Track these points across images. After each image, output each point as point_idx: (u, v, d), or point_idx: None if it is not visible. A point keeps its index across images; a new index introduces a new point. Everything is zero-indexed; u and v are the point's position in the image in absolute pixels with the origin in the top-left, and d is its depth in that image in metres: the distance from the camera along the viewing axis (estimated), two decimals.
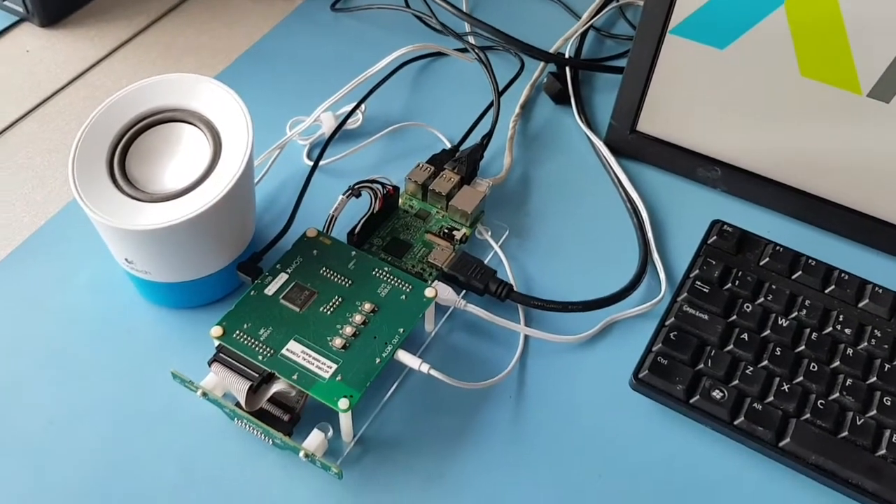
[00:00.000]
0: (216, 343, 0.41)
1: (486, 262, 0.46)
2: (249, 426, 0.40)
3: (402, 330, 0.41)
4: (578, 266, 0.48)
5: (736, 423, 0.40)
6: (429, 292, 0.43)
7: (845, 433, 0.39)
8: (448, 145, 0.53)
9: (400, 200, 0.49)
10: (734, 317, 0.43)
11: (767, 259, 0.46)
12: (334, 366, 0.39)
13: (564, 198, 0.52)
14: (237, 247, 0.45)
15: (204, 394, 0.40)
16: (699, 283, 0.44)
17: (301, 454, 0.38)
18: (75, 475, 0.39)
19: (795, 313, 0.43)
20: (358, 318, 0.41)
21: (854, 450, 0.38)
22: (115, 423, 0.41)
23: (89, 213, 0.39)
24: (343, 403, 0.38)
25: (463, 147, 0.52)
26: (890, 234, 0.48)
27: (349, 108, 0.54)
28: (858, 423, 0.39)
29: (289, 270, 0.43)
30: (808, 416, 0.40)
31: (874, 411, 0.40)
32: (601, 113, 0.57)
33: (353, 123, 0.55)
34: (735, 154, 0.50)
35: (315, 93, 0.56)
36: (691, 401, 0.40)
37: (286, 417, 0.40)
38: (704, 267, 0.45)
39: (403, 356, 0.41)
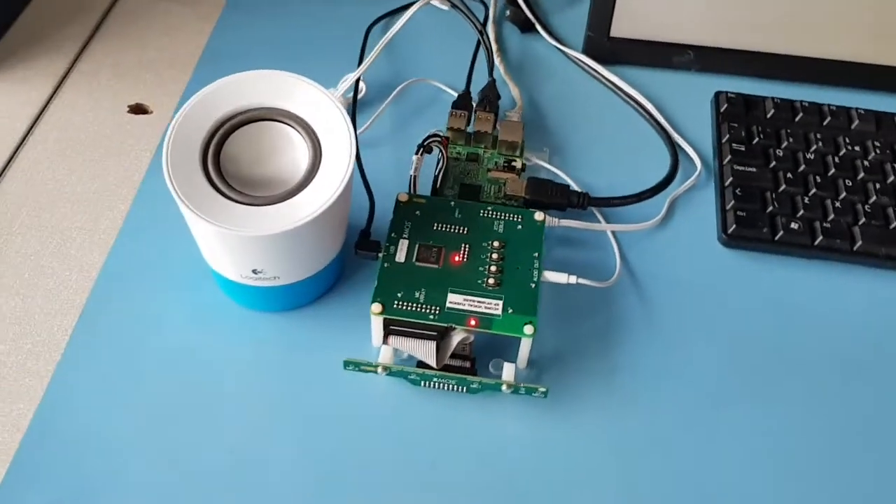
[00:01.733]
0: (374, 319, 0.42)
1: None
2: (440, 383, 0.41)
3: (536, 254, 0.44)
4: (619, 166, 0.53)
5: (816, 243, 0.47)
6: (538, 216, 0.46)
7: (895, 223, 0.48)
8: (453, 93, 0.56)
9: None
10: (773, 162, 0.50)
11: (773, 111, 0.53)
12: (500, 302, 0.42)
13: (575, 113, 0.56)
14: (344, 234, 0.45)
15: (385, 369, 0.41)
16: (735, 145, 0.51)
17: (504, 387, 0.41)
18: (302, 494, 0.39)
19: (814, 146, 0.51)
20: (495, 256, 0.44)
21: None
22: (310, 437, 0.41)
23: (211, 228, 0.38)
24: (528, 329, 0.41)
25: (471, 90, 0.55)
26: (840, 68, 0.57)
27: (345, 82, 0.55)
28: None
29: (405, 235, 0.44)
30: (863, 220, 0.48)
31: None
32: (563, 30, 0.61)
33: (359, 94, 0.55)
34: (701, 35, 0.57)
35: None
36: (776, 238, 0.47)
37: (468, 364, 0.42)
38: (731, 131, 0.52)
39: (550, 275, 0.44)
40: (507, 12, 0.61)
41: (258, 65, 0.58)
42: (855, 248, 0.47)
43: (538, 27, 0.61)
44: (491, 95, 0.54)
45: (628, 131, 0.55)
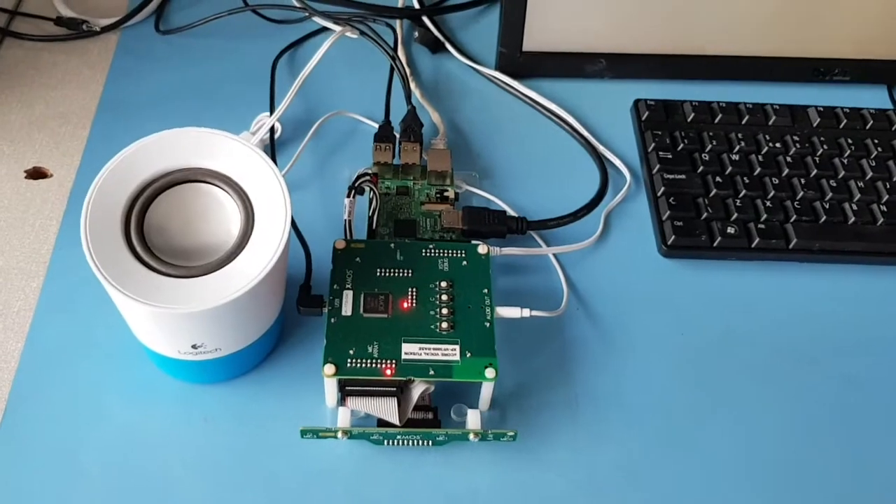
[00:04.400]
0: (328, 381, 0.40)
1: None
2: (404, 440, 0.40)
3: (485, 290, 0.43)
4: (549, 185, 0.52)
5: (754, 245, 0.48)
6: (481, 249, 0.44)
7: (824, 217, 0.49)
8: (372, 125, 0.54)
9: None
10: (701, 167, 0.51)
11: (692, 115, 0.54)
12: (456, 346, 0.40)
13: (497, 132, 0.55)
14: (283, 293, 0.43)
15: (345, 433, 0.39)
16: (661, 153, 0.51)
17: (471, 437, 0.39)
18: None
19: (737, 146, 0.52)
20: (444, 297, 0.42)
21: (838, 226, 0.49)
22: None
23: (143, 307, 0.35)
24: (490, 373, 0.40)
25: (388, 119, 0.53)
26: (749, 63, 0.58)
27: (259, 124, 0.52)
28: (827, 206, 0.49)
29: (348, 286, 0.42)
30: (794, 217, 0.49)
31: (830, 194, 0.50)
32: (474, 48, 0.60)
33: (275, 135, 0.53)
34: (611, 42, 0.57)
35: (206, 121, 0.53)
36: (715, 244, 0.48)
37: (430, 415, 0.41)
38: (656, 139, 0.52)
39: (502, 311, 0.43)
40: (416, 34, 0.60)
41: (161, 113, 0.55)
42: (791, 246, 0.48)
43: (448, 47, 0.59)
44: (414, 124, 0.52)
45: (553, 146, 0.55)
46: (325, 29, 0.60)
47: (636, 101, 0.55)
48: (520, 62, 0.57)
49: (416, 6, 0.61)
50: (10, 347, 0.43)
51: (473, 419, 0.40)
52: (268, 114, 0.53)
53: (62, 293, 0.45)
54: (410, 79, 0.57)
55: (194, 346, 0.39)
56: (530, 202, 0.51)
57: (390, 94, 0.55)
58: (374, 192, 0.47)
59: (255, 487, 0.39)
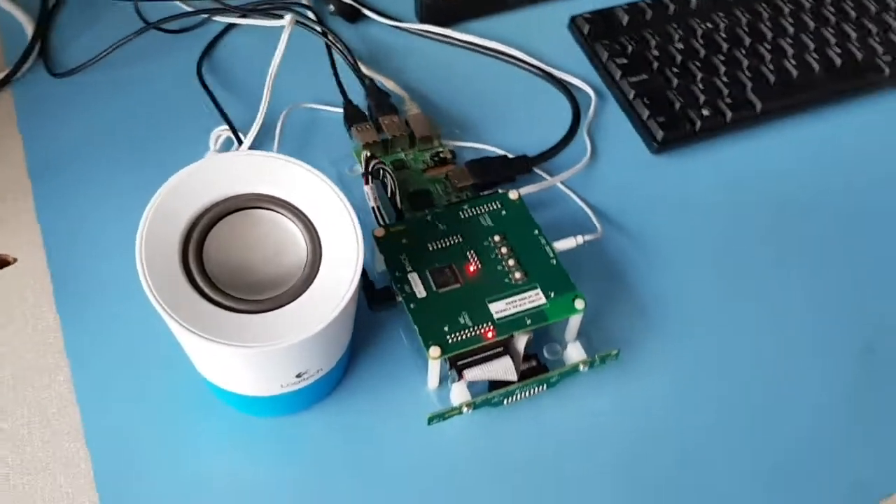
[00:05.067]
0: (434, 363, 0.39)
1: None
2: (522, 393, 0.40)
3: (536, 231, 0.43)
4: (520, 121, 0.53)
5: (729, 120, 0.51)
6: (512, 195, 0.45)
7: (773, 78, 0.53)
8: (333, 110, 0.52)
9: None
10: (656, 64, 0.53)
11: (627, 18, 0.56)
12: (538, 290, 0.41)
13: (451, 84, 0.55)
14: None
15: (469, 405, 0.39)
16: (617, 60, 0.53)
17: (581, 367, 0.40)
18: None
19: (677, 37, 0.55)
20: (504, 251, 0.42)
21: (789, 82, 0.53)
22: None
23: (244, 352, 0.32)
24: (579, 304, 0.41)
25: (351, 98, 0.51)
26: None
27: (216, 135, 0.49)
28: (772, 67, 0.54)
29: (410, 269, 0.41)
30: (750, 86, 0.53)
31: (769, 56, 0.54)
32: (386, 7, 0.59)
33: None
34: None
35: (155, 151, 0.49)
36: (698, 130, 0.51)
37: (534, 363, 0.41)
38: (607, 49, 0.54)
39: (560, 245, 0.43)
40: (330, 8, 0.57)
41: (102, 157, 0.50)
42: (759, 111, 0.52)
43: (366, 12, 0.58)
44: (381, 97, 0.51)
45: (511, 83, 0.55)
46: (231, 26, 0.56)
47: (573, 19, 0.56)
48: (444, 9, 0.57)
49: None
50: (71, 450, 0.39)
51: (576, 351, 0.41)
52: (224, 126, 0.50)
53: (97, 373, 0.41)
54: (347, 54, 0.55)
55: (299, 376, 0.37)
56: (514, 142, 0.51)
57: (338, 76, 0.53)
58: (389, 174, 0.45)
59: (405, 488, 0.38)
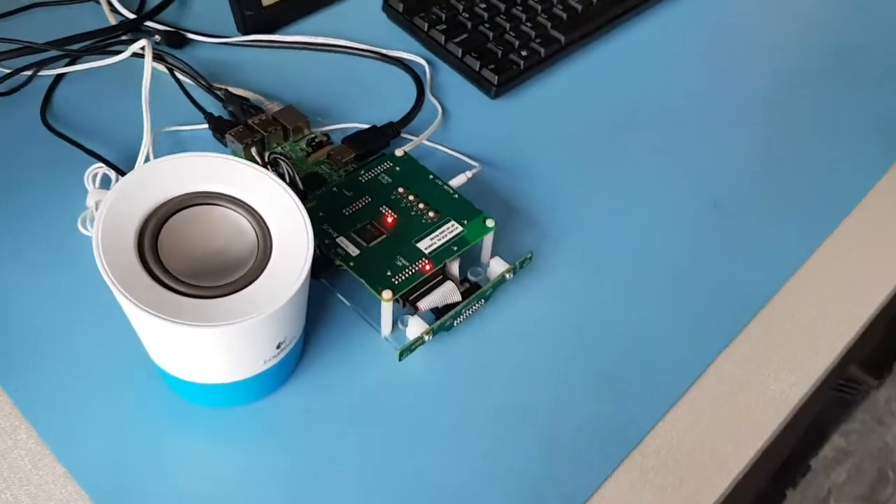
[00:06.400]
0: (386, 305, 0.43)
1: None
2: (467, 310, 0.45)
3: (431, 176, 0.48)
4: (370, 100, 0.58)
5: (545, 54, 0.59)
6: (398, 152, 0.50)
7: (566, 16, 0.62)
8: (195, 128, 0.53)
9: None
10: (469, 24, 0.60)
11: None
12: (453, 222, 0.46)
13: (302, 80, 0.58)
14: None
15: (429, 332, 0.43)
16: (438, 27, 0.60)
17: (507, 276, 0.46)
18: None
19: None
20: (411, 198, 0.47)
21: (574, 15, 0.62)
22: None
23: (234, 329, 0.35)
24: (490, 223, 0.46)
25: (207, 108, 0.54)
26: None
27: (92, 173, 0.49)
28: (561, 7, 0.63)
29: (335, 235, 0.45)
30: (549, 24, 0.61)
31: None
32: (209, 28, 0.61)
33: None
34: None
35: (29, 213, 0.48)
36: (524, 70, 0.58)
37: (468, 284, 0.46)
38: (425, 20, 0.60)
39: (455, 182, 0.49)
40: (157, 38, 0.59)
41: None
42: (564, 43, 0.60)
43: (192, 36, 0.60)
44: (241, 102, 0.53)
45: (352, 70, 0.60)
46: (61, 76, 0.56)
47: (385, 1, 0.62)
48: (266, 18, 0.60)
49: (132, 17, 0.60)
50: (65, 494, 0.38)
51: (498, 264, 0.47)
52: (100, 164, 0.50)
53: (58, 420, 0.40)
54: (193, 72, 0.57)
55: (279, 346, 0.39)
56: (373, 117, 0.56)
57: (190, 94, 0.55)
58: (283, 160, 0.48)
59: (391, 426, 0.42)
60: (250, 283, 0.37)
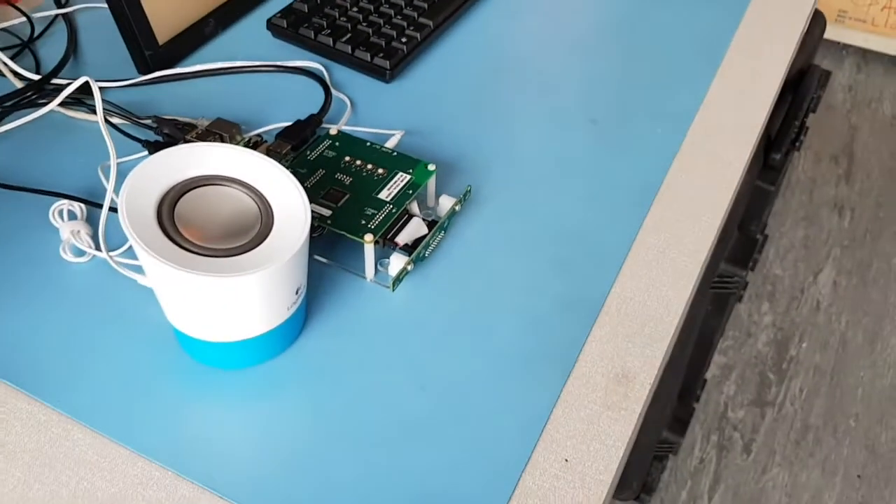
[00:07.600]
0: (369, 247, 0.50)
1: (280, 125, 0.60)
2: (434, 240, 0.52)
3: (368, 143, 0.56)
4: (289, 102, 0.64)
5: (420, 38, 0.68)
6: (332, 130, 0.57)
7: (427, 6, 0.71)
8: (136, 156, 0.58)
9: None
10: (350, 25, 0.68)
11: (306, 6, 0.70)
12: (401, 172, 0.54)
13: (216, 102, 0.64)
14: None
15: (410, 262, 0.50)
16: (324, 33, 0.67)
17: (456, 207, 0.54)
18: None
19: (349, 3, 0.70)
20: (359, 163, 0.54)
21: (440, 4, 0.72)
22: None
23: (259, 276, 0.41)
24: (431, 167, 0.54)
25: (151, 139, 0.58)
26: None
27: (60, 209, 0.53)
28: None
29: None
30: (416, 14, 0.70)
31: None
32: (98, 74, 0.65)
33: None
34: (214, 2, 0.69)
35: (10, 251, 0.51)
36: (408, 55, 0.67)
37: (428, 221, 0.54)
38: (312, 29, 0.67)
39: (390, 143, 0.56)
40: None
41: None
42: (434, 26, 0.70)
43: (101, 84, 0.63)
44: (171, 123, 0.58)
45: (259, 86, 0.66)
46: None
47: (269, 21, 0.69)
48: (162, 55, 0.65)
49: (36, 77, 0.63)
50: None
51: (446, 200, 0.54)
52: (62, 202, 0.53)
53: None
54: (120, 110, 0.61)
55: (297, 291, 0.45)
56: (291, 119, 0.62)
57: (120, 129, 0.59)
58: None
59: (395, 354, 0.48)
60: (261, 242, 0.43)
